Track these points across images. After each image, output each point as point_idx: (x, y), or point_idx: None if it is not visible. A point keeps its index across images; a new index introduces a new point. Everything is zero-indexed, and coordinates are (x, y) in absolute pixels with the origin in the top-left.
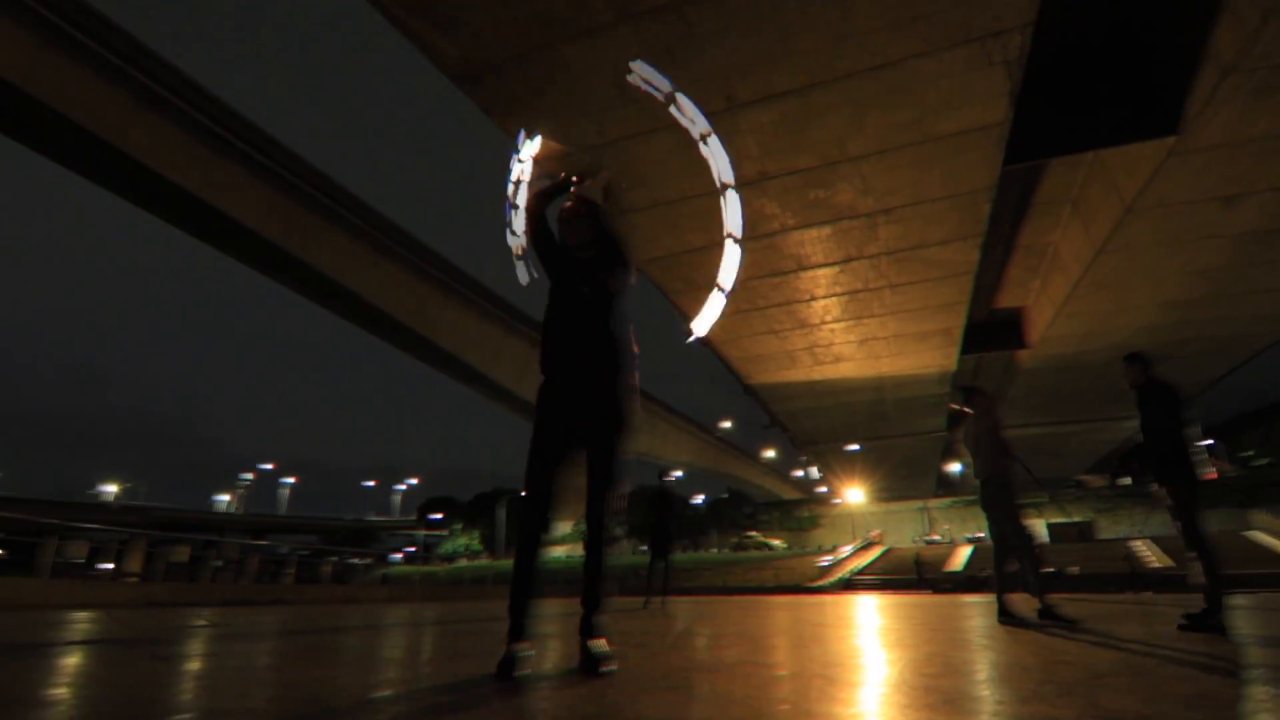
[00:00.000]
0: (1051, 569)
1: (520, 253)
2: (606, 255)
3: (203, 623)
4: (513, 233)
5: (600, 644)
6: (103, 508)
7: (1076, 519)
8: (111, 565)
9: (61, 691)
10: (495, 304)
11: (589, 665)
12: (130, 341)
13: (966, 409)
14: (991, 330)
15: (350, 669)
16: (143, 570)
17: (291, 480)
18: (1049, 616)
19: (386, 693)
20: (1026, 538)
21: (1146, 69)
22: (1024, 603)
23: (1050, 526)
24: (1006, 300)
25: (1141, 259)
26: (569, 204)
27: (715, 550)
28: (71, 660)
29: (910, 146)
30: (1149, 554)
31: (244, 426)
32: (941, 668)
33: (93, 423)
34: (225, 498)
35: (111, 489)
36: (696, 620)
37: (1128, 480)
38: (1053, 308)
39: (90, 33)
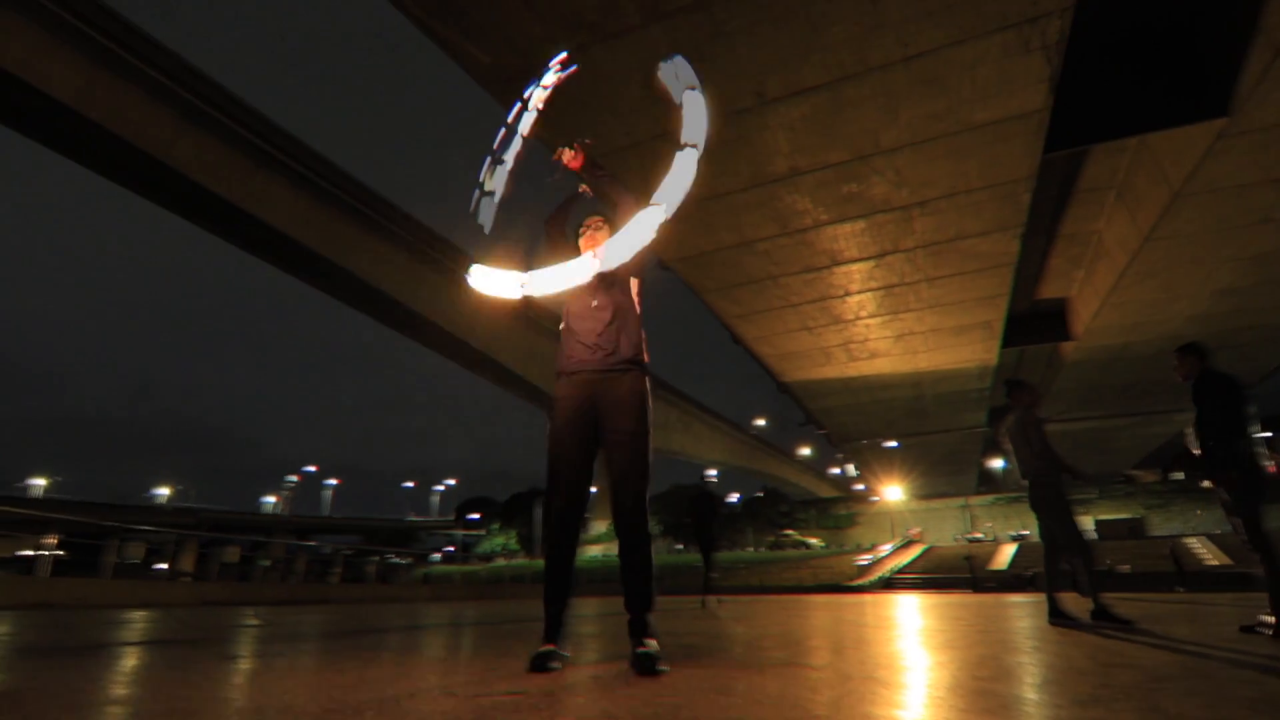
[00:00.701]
0: (1103, 567)
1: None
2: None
3: (257, 622)
4: (488, 180)
5: (652, 645)
6: (156, 510)
7: (1126, 515)
8: (166, 565)
9: (130, 691)
10: (526, 306)
11: (642, 667)
12: (177, 351)
13: (1013, 403)
14: (1034, 322)
15: (406, 668)
16: (195, 570)
17: (334, 482)
18: (1102, 617)
19: (443, 692)
20: (1079, 536)
21: (1194, 50)
22: (1075, 603)
23: (1099, 523)
24: (1049, 291)
25: (1191, 246)
26: (590, 220)
27: (751, 549)
28: (140, 660)
29: (946, 137)
30: (1204, 552)
31: (286, 431)
32: (994, 670)
33: (143, 429)
34: (271, 499)
35: (164, 492)
36: (739, 620)
37: (1180, 475)
38: (1098, 298)
39: (138, 53)
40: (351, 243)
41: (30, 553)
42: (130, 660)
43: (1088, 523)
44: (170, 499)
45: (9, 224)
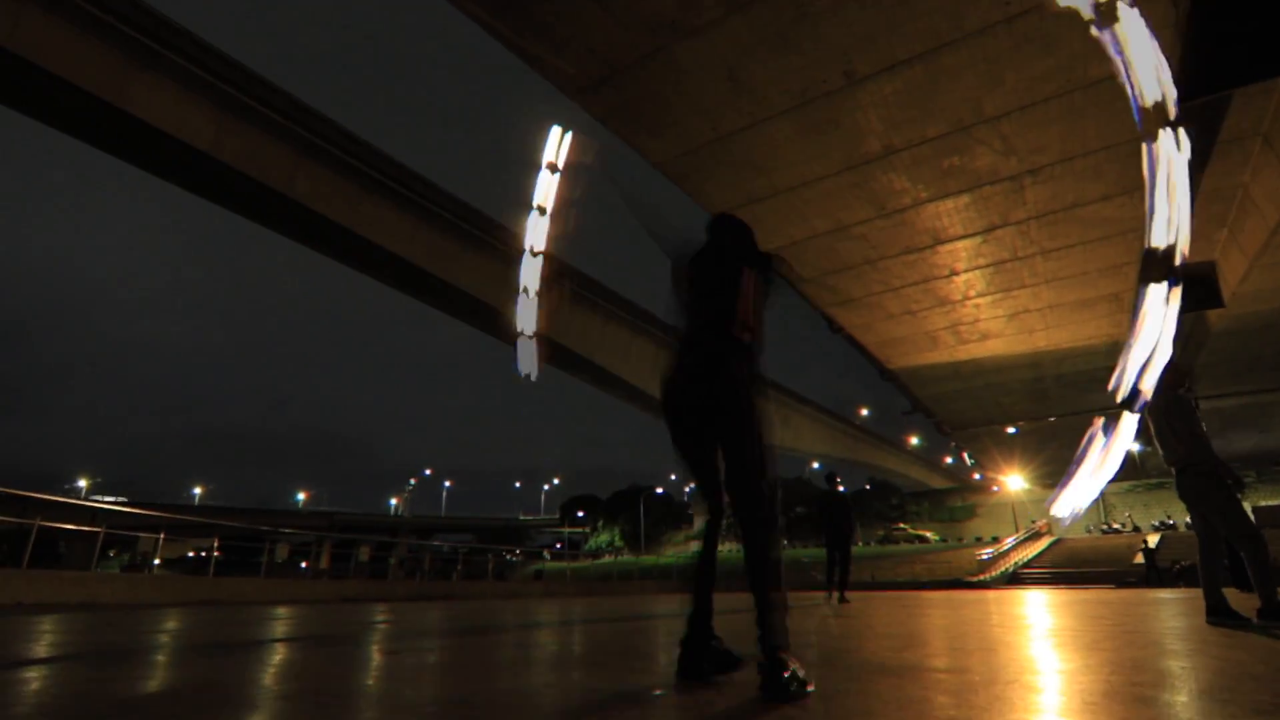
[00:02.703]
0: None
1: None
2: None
3: (384, 619)
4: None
5: (785, 659)
6: (297, 514)
7: None
8: (305, 564)
9: (292, 685)
10: (620, 306)
11: (775, 690)
12: (306, 370)
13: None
14: None
15: (539, 666)
16: (330, 567)
17: (449, 484)
18: (1272, 616)
19: (577, 693)
20: (1245, 525)
21: None
22: (1238, 600)
23: (1257, 510)
24: (1189, 256)
25: None
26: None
27: (860, 543)
28: (294, 655)
29: (1057, 98)
30: None
31: (405, 437)
32: (1153, 676)
33: (279, 441)
34: (394, 501)
35: (301, 497)
36: (864, 618)
37: None
38: (1245, 259)
39: (257, 97)
40: (456, 258)
41: (191, 554)
42: (289, 654)
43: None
44: (306, 503)
45: (166, 263)
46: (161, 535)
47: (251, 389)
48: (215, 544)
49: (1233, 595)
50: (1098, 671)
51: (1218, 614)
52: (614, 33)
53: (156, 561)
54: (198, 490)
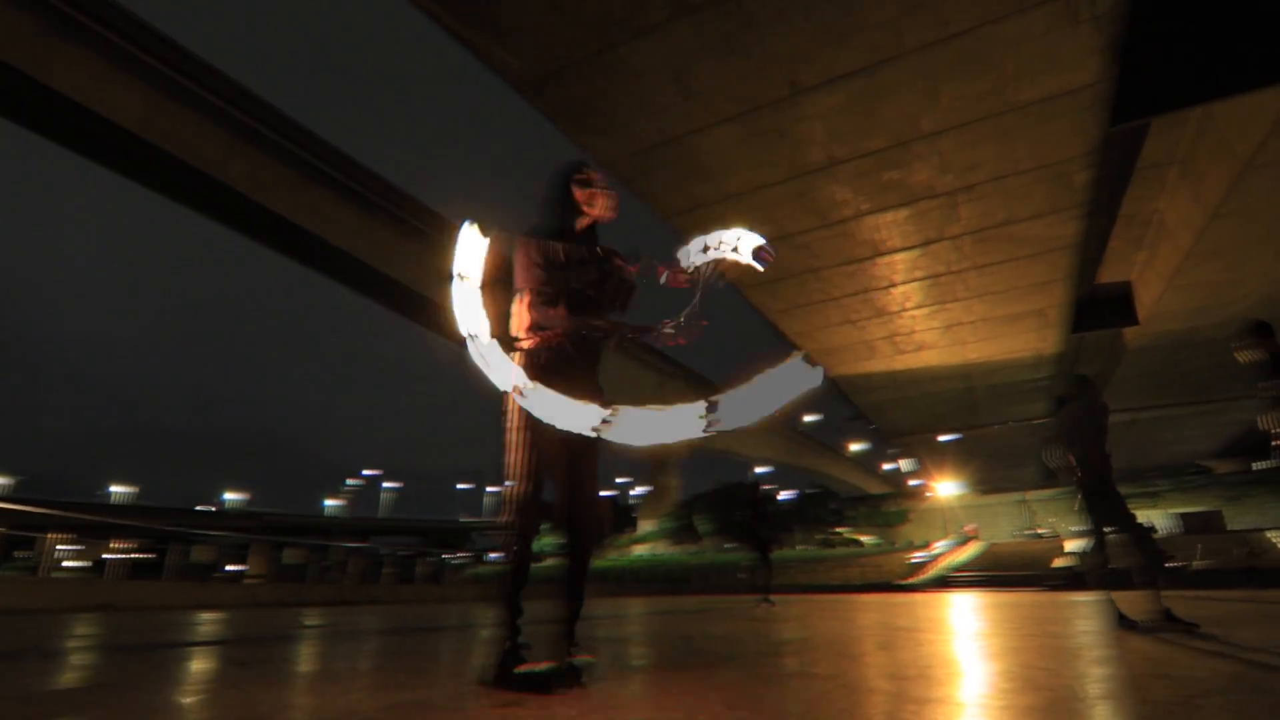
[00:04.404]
0: (1172, 564)
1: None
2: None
3: (264, 626)
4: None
5: (586, 658)
6: (222, 514)
7: (1201, 509)
8: (232, 567)
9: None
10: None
11: (576, 676)
12: (242, 365)
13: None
14: (1093, 309)
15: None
16: (260, 571)
17: (391, 485)
18: (1163, 620)
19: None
20: (1141, 532)
21: (1263, 8)
22: (1139, 602)
23: (1171, 517)
24: (1109, 276)
25: (1260, 222)
26: (594, 174)
27: (799, 547)
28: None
29: (990, 118)
30: None
31: (346, 437)
32: (1024, 683)
33: (213, 439)
34: (333, 502)
35: (230, 497)
36: (789, 622)
37: (1264, 464)
38: (1161, 281)
39: (192, 76)
40: (397, 251)
41: (108, 556)
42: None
43: (1158, 517)
44: (236, 504)
45: (85, 250)
46: (51, 536)
47: (181, 384)
48: (128, 546)
49: (1137, 597)
50: (983, 677)
51: (1117, 620)
52: (562, 29)
53: (68, 564)
54: (115, 489)
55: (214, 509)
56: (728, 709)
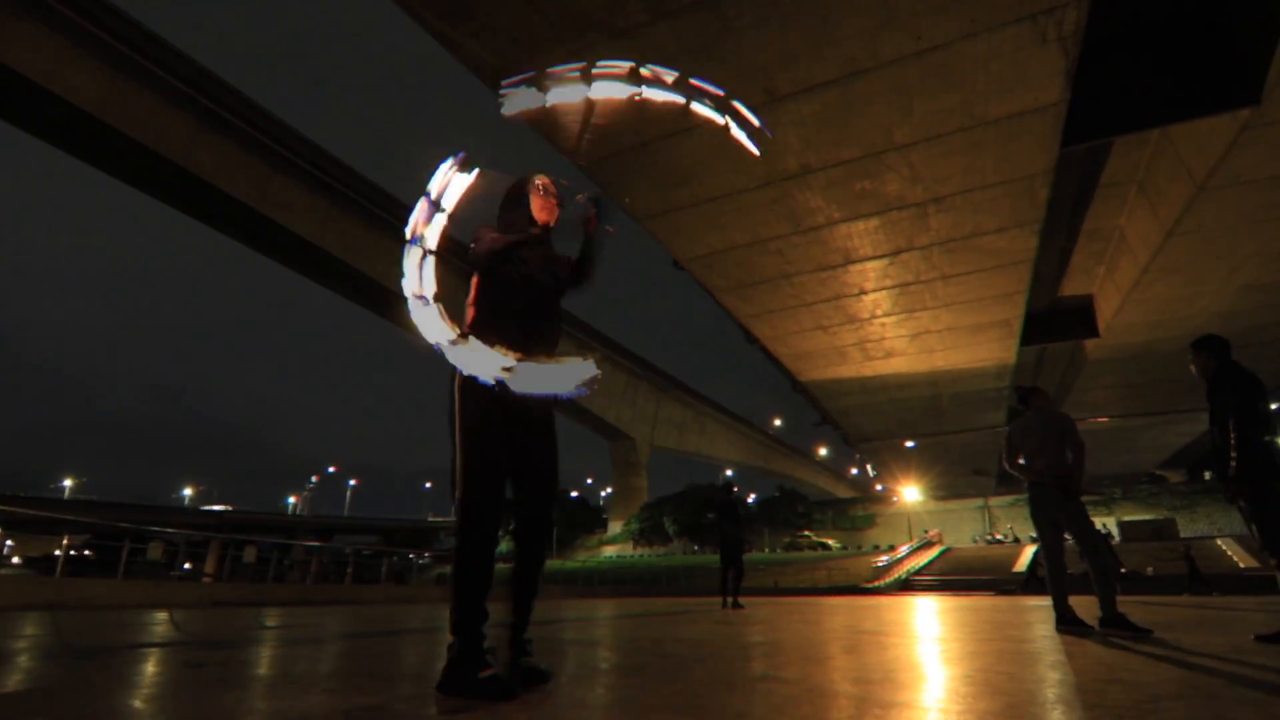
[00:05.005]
0: (1124, 570)
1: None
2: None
3: (217, 627)
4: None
5: (536, 662)
6: (180, 511)
7: (1152, 516)
8: (189, 566)
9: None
10: None
11: (531, 680)
12: (203, 358)
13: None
14: (1056, 320)
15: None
16: (217, 570)
17: (355, 483)
18: (1115, 624)
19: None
20: (1097, 537)
21: (1220, 37)
22: (1088, 607)
23: (1122, 525)
24: (1071, 289)
25: (1215, 241)
26: (542, 180)
27: (767, 550)
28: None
29: (960, 132)
30: (1231, 554)
31: (309, 433)
32: (984, 688)
33: (172, 433)
34: (294, 500)
35: (189, 493)
36: (757, 625)
37: (1210, 475)
38: (1120, 295)
39: (155, 59)
40: (366, 245)
41: (58, 552)
42: (35, 664)
43: (1110, 524)
44: (194, 499)
45: (42, 235)
46: None
47: (142, 377)
48: (78, 543)
49: (1091, 601)
50: (937, 683)
51: (1065, 622)
52: (540, 26)
53: (15, 560)
54: (69, 483)
55: (173, 505)
56: (692, 715)
